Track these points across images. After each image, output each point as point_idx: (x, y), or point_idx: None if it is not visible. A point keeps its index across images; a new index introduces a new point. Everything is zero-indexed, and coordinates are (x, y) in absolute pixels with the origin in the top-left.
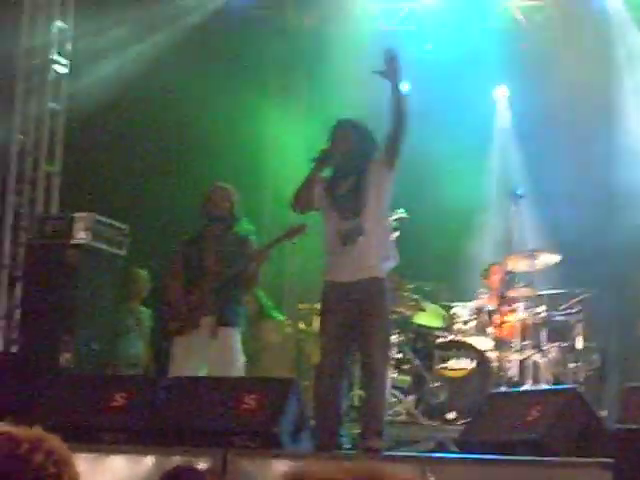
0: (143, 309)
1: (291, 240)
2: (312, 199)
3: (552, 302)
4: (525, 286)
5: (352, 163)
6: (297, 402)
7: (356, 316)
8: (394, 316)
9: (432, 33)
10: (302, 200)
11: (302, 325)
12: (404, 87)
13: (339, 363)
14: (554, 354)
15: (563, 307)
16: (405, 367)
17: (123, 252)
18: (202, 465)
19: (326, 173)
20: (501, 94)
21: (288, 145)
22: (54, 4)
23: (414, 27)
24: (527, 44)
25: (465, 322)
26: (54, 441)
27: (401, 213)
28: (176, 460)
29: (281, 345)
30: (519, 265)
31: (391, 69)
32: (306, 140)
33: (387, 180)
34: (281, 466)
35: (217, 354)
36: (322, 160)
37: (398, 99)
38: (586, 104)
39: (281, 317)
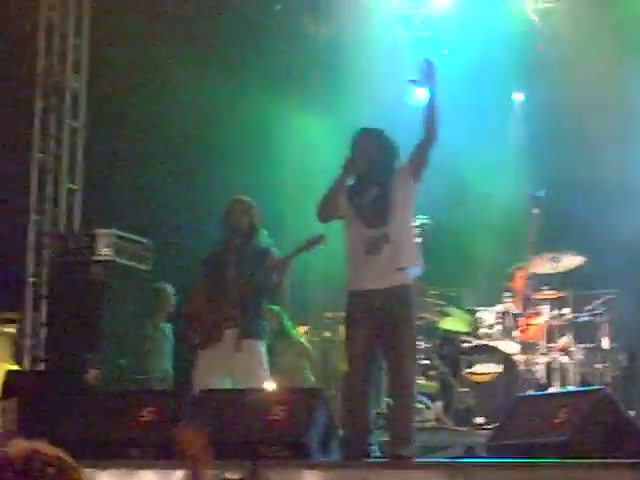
0: (166, 324)
1: (310, 250)
2: (337, 208)
3: (577, 303)
4: (549, 288)
5: (376, 172)
6: (325, 412)
7: (383, 324)
8: (420, 322)
9: (448, 38)
10: (327, 209)
11: (328, 334)
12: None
13: (367, 371)
14: (580, 355)
15: (588, 308)
16: (432, 373)
17: (147, 267)
18: (234, 476)
19: (348, 182)
20: (518, 97)
21: (308, 155)
22: (69, 21)
23: (430, 33)
24: (543, 46)
25: (490, 326)
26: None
27: (424, 219)
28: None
29: (295, 366)
30: (543, 267)
31: (427, 78)
32: (326, 149)
33: (413, 189)
34: (311, 476)
35: (242, 367)
36: (347, 169)
37: (431, 109)
38: (602, 105)
39: (300, 338)
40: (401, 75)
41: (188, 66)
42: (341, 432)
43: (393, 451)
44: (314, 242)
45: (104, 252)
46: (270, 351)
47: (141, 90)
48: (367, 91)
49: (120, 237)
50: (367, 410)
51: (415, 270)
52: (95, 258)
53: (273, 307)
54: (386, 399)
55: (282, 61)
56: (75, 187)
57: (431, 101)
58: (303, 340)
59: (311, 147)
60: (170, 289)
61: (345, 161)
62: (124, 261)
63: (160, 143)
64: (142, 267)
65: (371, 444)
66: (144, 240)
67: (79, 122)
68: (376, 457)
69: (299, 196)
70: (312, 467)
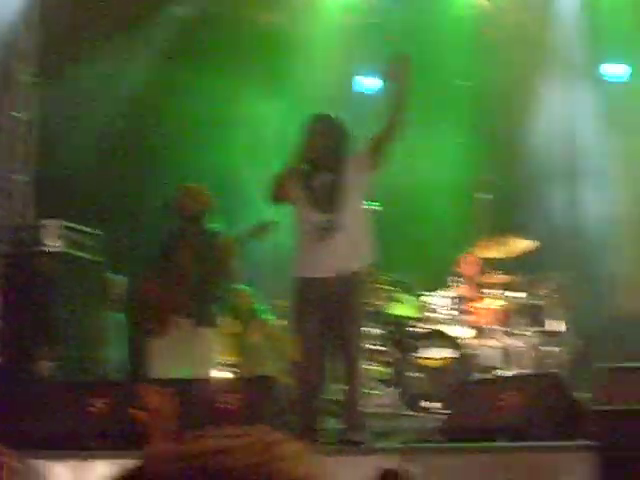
0: (118, 314)
1: (260, 236)
2: (288, 193)
3: (529, 287)
4: (501, 272)
5: (328, 157)
6: (278, 400)
7: (333, 312)
8: (371, 309)
9: (396, 24)
10: (277, 193)
11: (281, 322)
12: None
13: (318, 359)
14: (533, 339)
15: (541, 291)
16: (384, 359)
17: (97, 258)
18: None
19: (300, 167)
20: (464, 82)
21: (261, 139)
22: (18, 12)
23: (379, 19)
24: (489, 29)
25: (442, 311)
26: None
27: (373, 205)
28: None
29: (266, 345)
30: (493, 251)
31: (400, 74)
32: (278, 133)
33: (367, 177)
34: None
35: (195, 355)
36: (299, 154)
37: (399, 104)
38: (545, 88)
39: (270, 317)
40: (350, 61)
41: (139, 53)
42: (294, 419)
43: (346, 437)
44: (263, 229)
45: (53, 244)
46: (238, 332)
47: (92, 81)
48: (317, 77)
49: (70, 228)
50: (318, 397)
51: (366, 257)
52: (44, 250)
53: (244, 287)
54: (338, 386)
55: (233, 47)
56: (27, 179)
57: (400, 96)
58: (273, 324)
59: (264, 131)
60: (122, 279)
61: (297, 146)
62: (75, 252)
63: (112, 133)
64: (93, 258)
65: (323, 430)
66: (94, 231)
67: (30, 114)
68: (329, 443)
69: (252, 180)
70: None
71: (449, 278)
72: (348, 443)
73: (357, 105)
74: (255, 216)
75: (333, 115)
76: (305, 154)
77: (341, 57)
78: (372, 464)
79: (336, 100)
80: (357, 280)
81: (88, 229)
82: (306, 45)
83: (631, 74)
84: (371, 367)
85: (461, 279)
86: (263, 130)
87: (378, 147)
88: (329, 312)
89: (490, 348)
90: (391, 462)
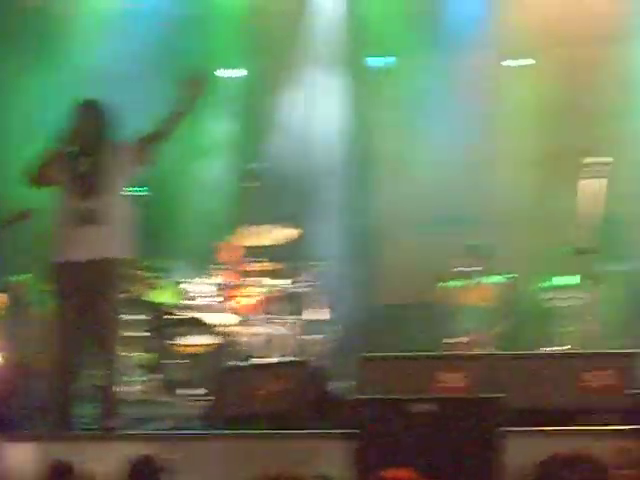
0: None
1: (17, 224)
2: (51, 176)
3: (291, 274)
4: (263, 260)
5: (91, 143)
6: (29, 385)
7: (89, 296)
8: (130, 295)
9: (156, 10)
10: (38, 178)
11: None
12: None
13: (73, 345)
14: (294, 326)
15: (303, 279)
16: (144, 345)
17: None
18: None
19: (64, 151)
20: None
21: (25, 123)
22: None
23: (141, 5)
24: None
25: (203, 298)
26: None
27: (140, 191)
28: None
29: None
30: (254, 239)
31: (194, 89)
32: (42, 118)
33: (133, 168)
34: (16, 449)
35: None
36: (63, 139)
37: (182, 112)
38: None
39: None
40: (109, 45)
41: None
42: (49, 405)
43: (100, 423)
44: (19, 217)
45: None
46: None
47: None
48: (86, 60)
49: None
50: (73, 383)
51: (124, 245)
52: None
53: (20, 277)
54: (94, 372)
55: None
56: None
57: (186, 105)
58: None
59: (31, 113)
60: None
61: (62, 130)
62: None
63: None
64: None
65: (78, 416)
66: None
67: None
68: (84, 429)
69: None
70: (16, 439)
71: (213, 265)
72: (102, 430)
73: (127, 89)
74: (19, 200)
75: (99, 100)
76: (69, 138)
77: (112, 40)
78: (127, 451)
79: (104, 84)
80: (113, 267)
81: None
82: (76, 28)
83: (393, 63)
84: (130, 354)
85: (226, 266)
86: (30, 113)
87: (149, 145)
88: (84, 297)
89: (252, 335)
90: (148, 449)
